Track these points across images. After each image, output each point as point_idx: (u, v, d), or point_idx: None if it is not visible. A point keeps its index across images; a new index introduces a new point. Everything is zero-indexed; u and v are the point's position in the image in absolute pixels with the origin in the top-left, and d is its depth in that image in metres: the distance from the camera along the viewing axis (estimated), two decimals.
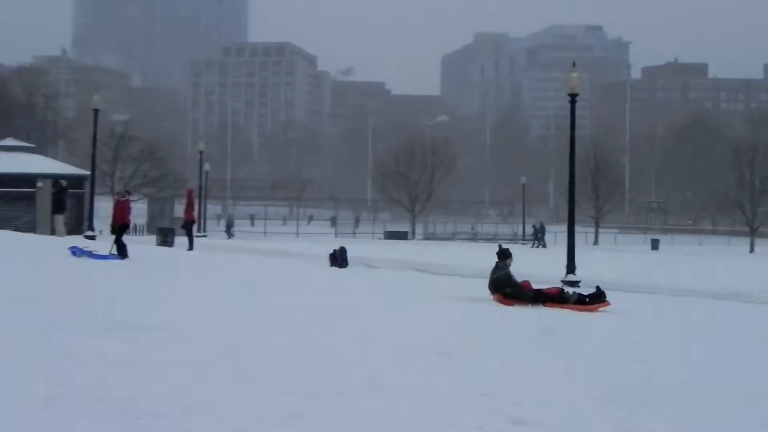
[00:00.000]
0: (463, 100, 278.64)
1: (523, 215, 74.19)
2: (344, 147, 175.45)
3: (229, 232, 65.88)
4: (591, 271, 28.48)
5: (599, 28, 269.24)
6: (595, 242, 75.39)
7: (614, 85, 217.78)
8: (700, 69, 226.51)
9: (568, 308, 16.21)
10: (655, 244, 70.21)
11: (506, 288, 16.69)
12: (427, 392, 8.10)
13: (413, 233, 73.68)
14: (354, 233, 75.19)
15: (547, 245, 64.21)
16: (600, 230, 79.49)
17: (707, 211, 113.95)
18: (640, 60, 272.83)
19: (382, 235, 72.05)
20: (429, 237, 73.89)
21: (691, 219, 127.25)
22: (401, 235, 69.84)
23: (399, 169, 78.38)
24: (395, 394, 7.99)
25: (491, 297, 16.97)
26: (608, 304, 16.62)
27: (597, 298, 16.65)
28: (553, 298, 16.52)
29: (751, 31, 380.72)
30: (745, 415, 7.97)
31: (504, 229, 77.99)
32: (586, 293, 17.05)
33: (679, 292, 26.20)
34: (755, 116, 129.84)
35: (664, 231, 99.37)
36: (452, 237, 74.42)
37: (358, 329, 12.61)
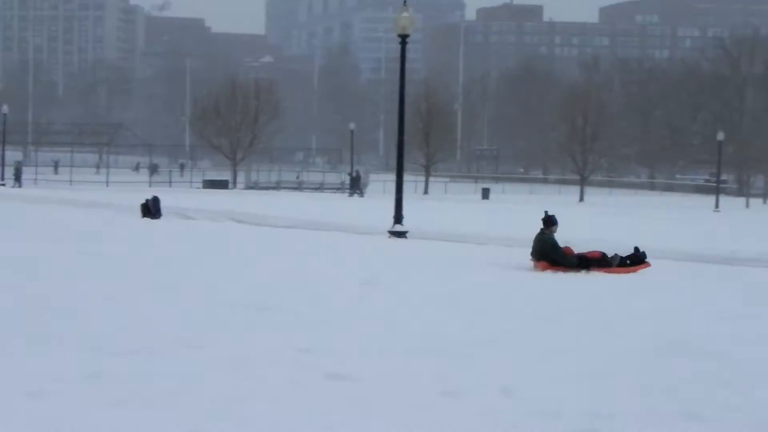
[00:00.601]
0: (289, 40, 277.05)
1: (352, 163, 74.85)
2: (159, 89, 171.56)
3: (17, 180, 63.42)
4: (418, 222, 29.12)
5: None
6: (425, 191, 76.95)
7: (448, 27, 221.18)
8: (536, 11, 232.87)
9: (613, 272, 16.89)
10: (485, 193, 72.29)
11: (551, 255, 17.13)
12: (241, 348, 8.22)
13: (234, 182, 73.20)
14: (170, 182, 74.00)
15: (366, 194, 65.45)
16: (431, 179, 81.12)
17: (539, 159, 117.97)
18: (474, 1, 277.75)
19: (200, 184, 71.27)
20: (251, 186, 73.57)
21: (523, 167, 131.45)
22: (221, 184, 69.28)
23: (219, 114, 77.44)
24: (209, 351, 8.07)
25: (535, 264, 17.33)
26: (649, 265, 17.45)
27: (638, 260, 17.49)
28: (599, 262, 17.12)
29: None
30: (561, 363, 8.44)
31: (331, 178, 78.50)
32: (624, 255, 17.62)
33: (507, 242, 27.07)
34: (589, 61, 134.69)
35: (496, 180, 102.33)
36: (276, 186, 74.34)
37: (164, 281, 12.58)
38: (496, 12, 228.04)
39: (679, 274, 18.30)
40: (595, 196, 76.32)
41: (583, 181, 78.03)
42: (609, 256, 17.48)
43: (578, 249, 17.93)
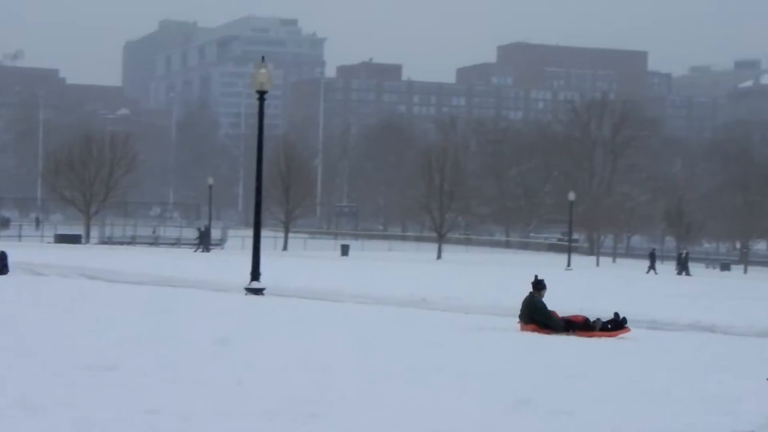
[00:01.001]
0: (147, 93, 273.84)
1: (210, 218, 74.11)
2: (10, 139, 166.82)
3: None
4: (276, 278, 28.99)
5: (294, 22, 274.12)
6: (285, 248, 76.67)
7: (308, 82, 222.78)
8: (395, 70, 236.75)
9: (595, 335, 17.68)
10: (345, 250, 72.54)
11: (540, 318, 17.88)
12: (87, 411, 8.00)
13: (88, 237, 71.47)
14: (20, 236, 71.73)
15: (224, 249, 65.13)
16: (290, 235, 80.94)
17: (398, 217, 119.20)
18: (335, 58, 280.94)
19: (52, 239, 69.38)
20: (105, 241, 71.98)
21: (382, 224, 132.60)
22: (74, 239, 67.62)
23: (73, 166, 75.70)
24: (52, 414, 7.83)
25: (523, 327, 18.01)
26: (629, 330, 18.19)
27: (618, 325, 18.26)
28: (582, 326, 17.93)
29: (445, 34, 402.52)
30: (413, 422, 8.49)
31: (188, 233, 77.47)
32: (605, 320, 18.44)
33: (364, 299, 27.22)
34: (446, 121, 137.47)
35: (355, 236, 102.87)
36: (132, 241, 72.93)
37: (7, 341, 12.18)
38: (356, 69, 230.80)
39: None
40: (452, 253, 77.41)
41: (440, 239, 79.16)
42: (591, 321, 18.28)
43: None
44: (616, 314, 18.60)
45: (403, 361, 12.67)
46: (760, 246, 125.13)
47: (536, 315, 17.96)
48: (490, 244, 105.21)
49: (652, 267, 64.84)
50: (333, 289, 29.41)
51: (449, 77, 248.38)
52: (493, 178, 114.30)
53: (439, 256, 73.75)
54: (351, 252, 72.57)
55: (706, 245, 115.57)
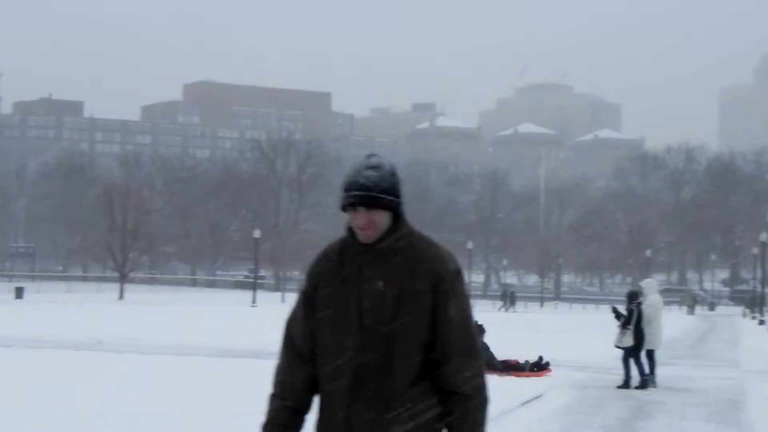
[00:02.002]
0: None
1: None
2: None
3: None
4: None
5: None
6: None
7: None
8: (76, 107, 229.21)
9: (523, 375, 19.91)
10: (18, 293, 68.82)
11: (485, 358, 18.24)
12: None
13: None
14: None
15: None
16: None
17: (79, 257, 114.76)
18: (11, 94, 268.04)
19: None
20: None
21: (62, 265, 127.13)
22: None
23: None
24: None
25: None
26: (550, 371, 20.42)
27: (542, 367, 20.71)
28: (515, 368, 20.46)
29: (129, 72, 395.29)
30: None
31: None
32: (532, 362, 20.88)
33: (38, 343, 25.78)
34: (131, 159, 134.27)
35: (32, 278, 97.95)
36: None
37: None
38: (34, 106, 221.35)
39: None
40: (136, 293, 75.39)
41: (123, 278, 76.86)
42: (521, 362, 20.76)
43: None
44: (540, 357, 21.10)
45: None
46: None
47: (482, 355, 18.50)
48: (175, 283, 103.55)
49: None
50: (3, 334, 27.72)
51: (134, 115, 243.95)
52: (179, 216, 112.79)
53: (121, 296, 71.56)
54: (26, 294, 68.91)
55: None
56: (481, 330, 19.65)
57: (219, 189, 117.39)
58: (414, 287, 3.69)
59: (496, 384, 17.44)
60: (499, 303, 77.09)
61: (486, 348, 20.15)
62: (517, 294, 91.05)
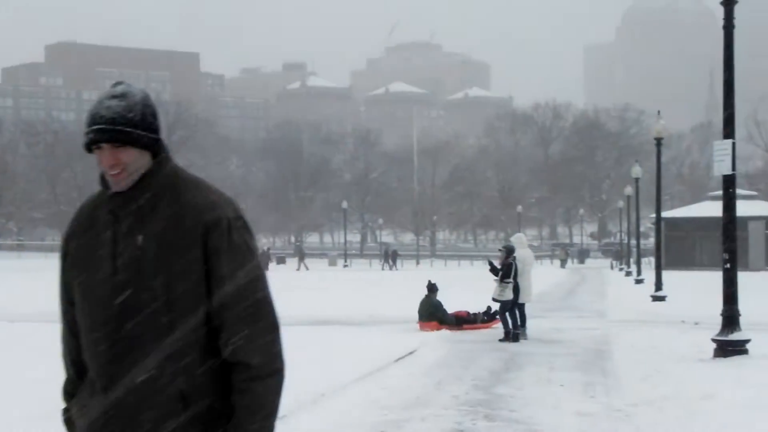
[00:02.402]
0: None
1: None
2: None
3: None
4: None
5: None
6: None
7: None
8: None
9: (476, 327, 21.09)
10: None
11: (438, 315, 20.94)
12: None
13: None
14: None
15: None
16: None
17: None
18: None
19: None
20: None
21: None
22: None
23: None
24: None
25: (422, 325, 20.73)
26: (498, 321, 20.29)
27: (491, 317, 21.37)
28: (467, 320, 21.35)
29: None
30: None
31: None
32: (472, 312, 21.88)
33: None
34: None
35: None
36: None
37: None
38: None
39: None
40: (3, 260, 73.29)
41: None
42: (472, 313, 21.71)
43: None
44: (488, 308, 21.67)
45: None
46: (312, 239, 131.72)
47: (437, 312, 20.96)
48: (45, 249, 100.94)
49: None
50: None
51: None
52: (45, 181, 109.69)
53: None
54: None
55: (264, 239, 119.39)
56: (434, 288, 21.38)
57: (83, 153, 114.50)
58: (180, 241, 3.08)
59: (382, 341, 17.74)
60: (381, 262, 77.60)
61: (440, 305, 21.15)
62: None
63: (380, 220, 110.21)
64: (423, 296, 21.44)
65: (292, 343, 15.50)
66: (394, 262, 75.30)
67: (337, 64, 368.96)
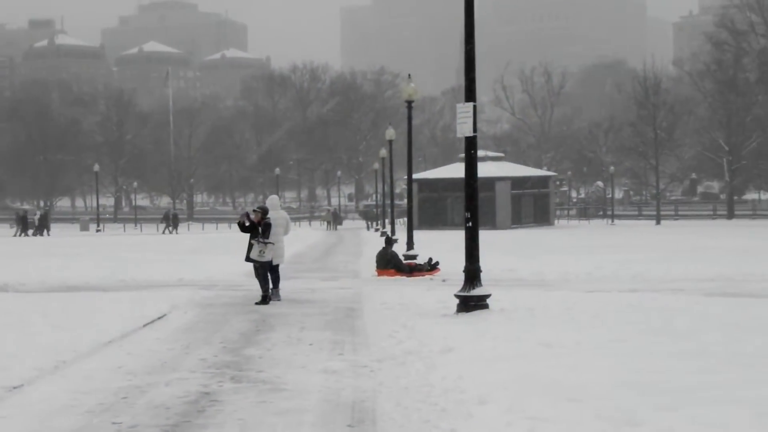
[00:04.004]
0: None
1: None
2: None
3: None
4: None
5: None
6: None
7: None
8: None
9: (424, 274, 24.79)
10: None
11: (395, 264, 25.12)
12: None
13: None
14: None
15: None
16: None
17: None
18: None
19: None
20: None
21: None
22: None
23: None
24: None
25: (380, 273, 24.86)
26: (439, 270, 25.09)
27: (433, 266, 25.45)
28: (417, 268, 25.31)
29: None
30: None
31: None
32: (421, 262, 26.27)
33: None
34: None
35: None
36: None
37: None
38: None
39: None
40: None
41: None
42: (420, 263, 25.96)
43: None
44: (430, 259, 26.00)
45: None
46: (63, 203, 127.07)
47: (393, 261, 25.20)
48: None
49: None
50: None
51: None
52: None
53: None
54: None
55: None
56: (390, 242, 25.69)
57: None
58: None
59: (132, 306, 17.38)
60: (161, 225, 76.26)
61: (396, 255, 25.52)
62: (148, 216, 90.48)
63: (135, 184, 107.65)
64: (381, 248, 25.66)
65: (36, 309, 15.18)
66: (175, 226, 74.30)
67: (88, 22, 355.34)
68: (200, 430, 8.39)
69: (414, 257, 28.99)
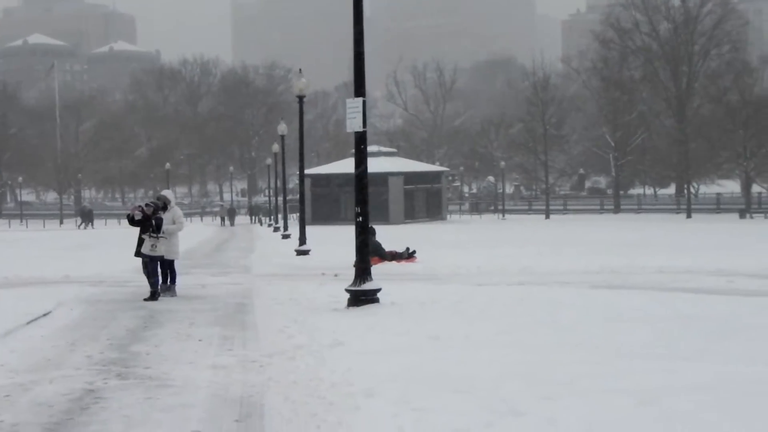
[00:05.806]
0: None
1: None
2: None
3: None
4: None
5: None
6: None
7: None
8: None
9: (403, 261, 26.82)
10: None
11: (380, 252, 26.63)
12: None
13: None
14: None
15: None
16: None
17: None
18: None
19: None
20: None
21: None
22: None
23: None
24: None
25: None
26: (416, 259, 27.32)
27: (410, 255, 27.59)
28: (396, 256, 27.25)
29: None
30: None
31: None
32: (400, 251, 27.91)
33: None
34: None
35: None
36: None
37: None
38: None
39: None
40: None
41: None
42: (399, 252, 27.69)
43: None
44: (407, 248, 28.17)
45: None
46: None
47: (378, 249, 26.50)
48: None
49: None
50: None
51: None
52: None
53: None
54: None
55: None
56: (373, 231, 25.43)
57: None
58: None
59: (16, 303, 16.92)
60: (77, 222, 76.77)
61: (379, 245, 26.93)
62: (35, 212, 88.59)
63: (20, 178, 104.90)
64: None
65: None
66: (91, 221, 74.73)
67: None
68: (84, 428, 8.28)
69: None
